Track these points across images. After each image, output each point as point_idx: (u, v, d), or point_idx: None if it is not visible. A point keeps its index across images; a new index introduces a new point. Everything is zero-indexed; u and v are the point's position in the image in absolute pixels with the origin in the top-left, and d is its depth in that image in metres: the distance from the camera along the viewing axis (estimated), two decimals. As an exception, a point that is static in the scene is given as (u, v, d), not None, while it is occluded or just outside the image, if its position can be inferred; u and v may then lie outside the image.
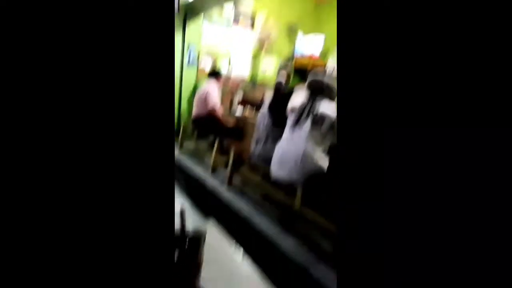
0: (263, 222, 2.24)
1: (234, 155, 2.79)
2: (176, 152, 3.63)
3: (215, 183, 2.83)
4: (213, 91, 3.22)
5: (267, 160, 2.05)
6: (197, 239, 0.65)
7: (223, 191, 2.66)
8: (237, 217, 2.27)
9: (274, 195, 2.42)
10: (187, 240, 0.64)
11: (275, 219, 2.30)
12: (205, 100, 3.20)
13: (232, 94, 3.86)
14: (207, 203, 2.53)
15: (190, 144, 3.78)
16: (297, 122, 1.77)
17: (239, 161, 2.87)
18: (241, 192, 2.68)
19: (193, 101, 3.55)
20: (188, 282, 0.63)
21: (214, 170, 3.08)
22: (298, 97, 1.86)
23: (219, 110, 3.23)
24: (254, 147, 2.27)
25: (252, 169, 2.78)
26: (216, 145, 3.10)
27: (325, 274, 1.59)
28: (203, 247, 0.64)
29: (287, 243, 1.96)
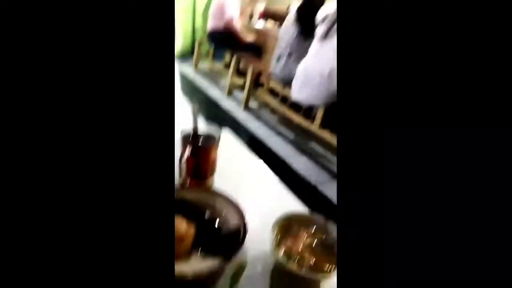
0: (278, 144, 2.23)
1: (252, 76, 2.62)
2: (191, 72, 3.48)
3: (231, 105, 2.76)
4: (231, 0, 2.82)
5: (289, 79, 1.88)
6: (212, 137, 0.57)
7: (239, 114, 2.60)
8: (253, 138, 2.25)
9: (291, 118, 2.33)
10: (201, 137, 0.56)
11: (291, 142, 2.29)
12: (221, 10, 2.83)
13: (253, 3, 3.38)
14: (222, 124, 2.49)
15: (205, 64, 3.58)
16: (327, 33, 1.53)
17: (257, 83, 2.72)
18: (257, 115, 2.61)
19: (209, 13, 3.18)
20: (201, 180, 0.58)
21: (230, 92, 2.96)
22: (332, 4, 1.56)
23: (237, 22, 2.87)
24: (275, 64, 2.07)
25: (270, 92, 2.64)
26: (232, 65, 2.89)
27: (335, 192, 1.62)
28: (217, 145, 0.57)
29: (300, 163, 1.97)
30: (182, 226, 0.46)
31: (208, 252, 0.46)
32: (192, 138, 0.55)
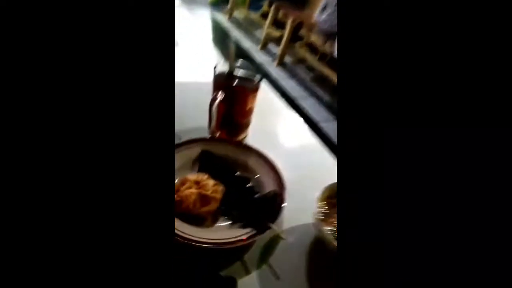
0: (311, 105, 2.07)
1: (290, 27, 2.38)
2: (224, 20, 3.26)
3: (264, 59, 2.58)
4: None
5: (334, 32, 1.65)
6: (250, 81, 0.46)
7: (272, 69, 2.43)
8: (284, 97, 2.11)
9: (329, 77, 2.13)
10: (237, 79, 0.45)
11: (325, 104, 2.12)
12: None
13: None
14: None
15: (240, 14, 3.32)
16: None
17: (295, 37, 2.48)
18: (292, 72, 2.43)
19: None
20: (233, 131, 0.48)
21: (264, 46, 2.75)
22: None
23: (279, -35, 2.54)
24: (320, 14, 1.82)
25: (308, 47, 2.40)
26: (270, 14, 2.63)
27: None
28: (256, 92, 0.46)
29: (335, 129, 1.83)
30: (207, 185, 0.38)
31: (236, 218, 0.39)
32: (226, 79, 0.45)
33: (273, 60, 2.54)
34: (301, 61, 2.49)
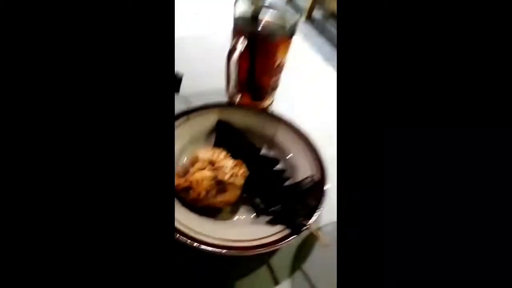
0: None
1: (321, -26, 2.09)
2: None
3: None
4: None
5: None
6: (280, 27, 0.34)
7: (300, 26, 2.22)
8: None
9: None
10: (263, 22, 0.33)
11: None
12: None
13: None
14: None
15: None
16: None
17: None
18: (321, 28, 2.19)
19: None
20: (257, 94, 0.38)
21: (291, -2, 2.49)
22: None
23: None
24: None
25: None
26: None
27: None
28: (289, 41, 0.34)
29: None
30: (225, 167, 0.29)
31: (262, 210, 0.30)
32: (249, 24, 0.33)
33: (300, 14, 2.32)
34: (333, 15, 2.25)
